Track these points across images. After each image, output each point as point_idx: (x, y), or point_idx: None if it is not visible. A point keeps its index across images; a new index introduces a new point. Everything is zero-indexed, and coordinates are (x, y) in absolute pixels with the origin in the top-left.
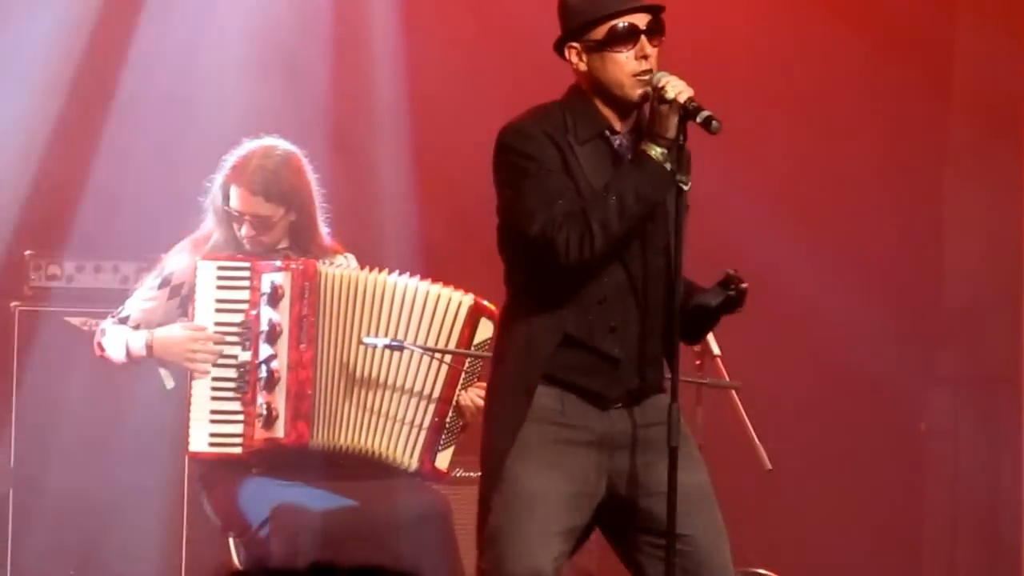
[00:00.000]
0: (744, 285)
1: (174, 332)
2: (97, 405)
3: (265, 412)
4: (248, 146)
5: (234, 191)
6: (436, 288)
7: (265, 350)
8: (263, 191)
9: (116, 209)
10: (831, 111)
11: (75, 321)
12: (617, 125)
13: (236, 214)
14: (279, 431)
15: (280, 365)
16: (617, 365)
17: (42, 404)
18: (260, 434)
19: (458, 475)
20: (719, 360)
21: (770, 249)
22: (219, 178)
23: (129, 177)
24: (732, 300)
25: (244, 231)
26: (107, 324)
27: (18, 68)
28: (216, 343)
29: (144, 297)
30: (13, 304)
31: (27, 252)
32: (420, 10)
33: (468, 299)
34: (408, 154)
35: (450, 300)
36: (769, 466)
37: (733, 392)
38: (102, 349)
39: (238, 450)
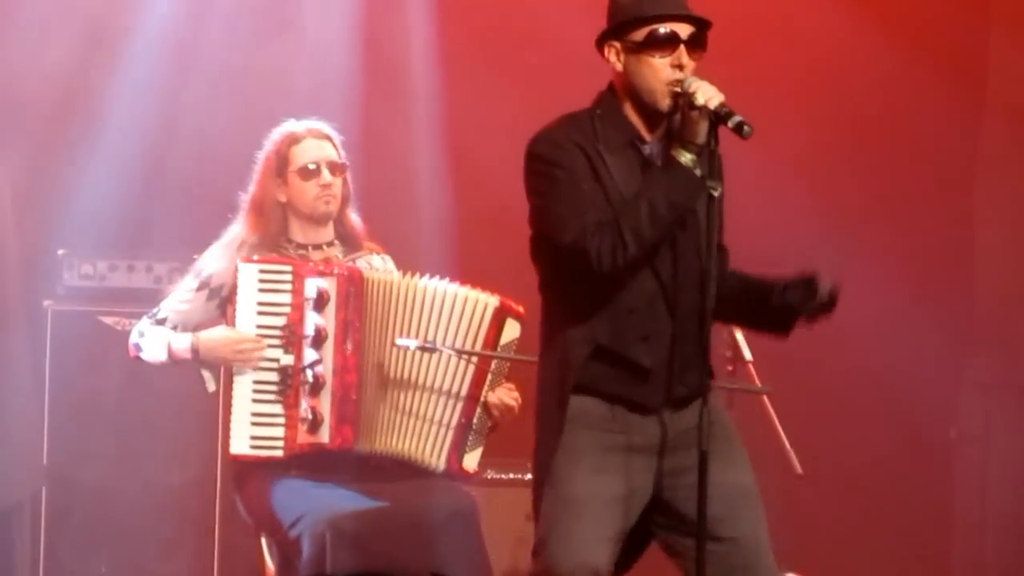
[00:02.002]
0: (828, 299)
1: (219, 333)
2: (129, 404)
3: (310, 416)
4: (287, 123)
5: (298, 148)
6: (464, 290)
7: (310, 354)
8: (328, 138)
9: (150, 208)
10: (864, 116)
11: (108, 320)
12: (647, 133)
13: (311, 167)
14: (324, 436)
15: (325, 370)
16: (650, 374)
17: (75, 403)
18: (304, 438)
19: (489, 476)
20: (751, 365)
21: (802, 253)
22: (268, 152)
23: (164, 176)
24: (823, 306)
25: (323, 178)
26: (143, 325)
27: (53, 60)
28: (259, 344)
29: (181, 299)
30: (46, 303)
31: (60, 251)
32: (455, 11)
33: (494, 300)
34: (441, 153)
35: (477, 302)
36: (800, 470)
37: (764, 396)
38: (138, 350)
39: (279, 453)
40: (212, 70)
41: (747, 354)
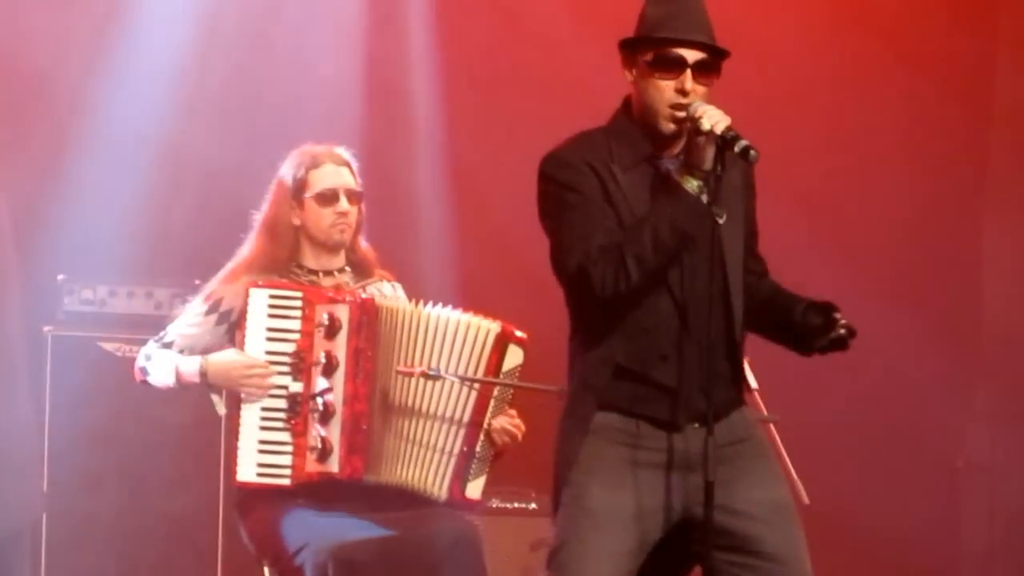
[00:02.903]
0: (844, 332)
1: (229, 357)
2: (130, 431)
3: (320, 445)
4: (307, 146)
5: (317, 173)
6: (465, 317)
7: (320, 383)
8: (347, 164)
9: (150, 234)
10: (871, 141)
11: (108, 346)
12: (662, 148)
13: (329, 194)
14: (333, 465)
15: (336, 398)
16: (673, 392)
17: (75, 429)
18: (313, 467)
19: (494, 505)
20: (756, 393)
21: (807, 281)
22: (286, 177)
23: (164, 202)
24: (837, 341)
25: (340, 206)
26: (150, 349)
27: (55, 87)
28: (268, 371)
29: (189, 323)
30: (46, 328)
31: (60, 276)
32: (456, 35)
33: (495, 326)
34: (442, 177)
35: (479, 328)
36: (807, 500)
37: (771, 425)
38: (144, 374)
39: (286, 481)
40: (216, 97)
41: (753, 382)
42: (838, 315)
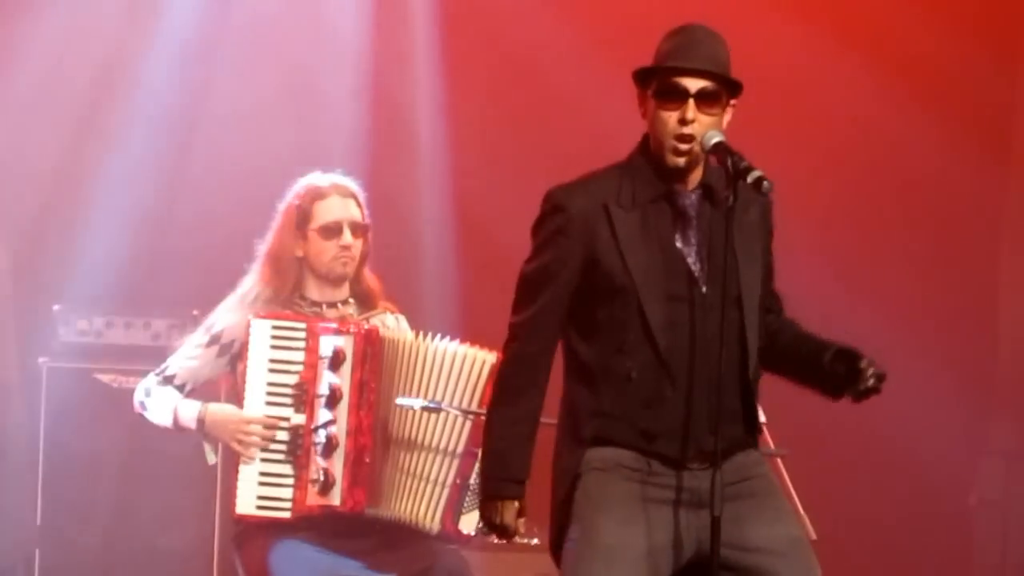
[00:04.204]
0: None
1: (228, 411)
2: (125, 463)
3: (322, 478)
4: (313, 176)
5: (322, 205)
6: (462, 348)
7: (324, 415)
8: (353, 196)
9: (147, 264)
10: (886, 174)
11: (104, 378)
12: (680, 183)
13: (333, 226)
14: (335, 498)
15: (339, 430)
16: (659, 438)
17: (69, 462)
18: (315, 500)
19: (493, 540)
20: (764, 427)
21: (821, 315)
22: (290, 207)
23: (164, 232)
24: (868, 390)
25: (344, 239)
26: (151, 384)
27: (51, 117)
28: (269, 428)
29: (189, 355)
30: (41, 360)
31: (56, 306)
32: (462, 65)
33: (491, 357)
34: (446, 207)
35: (475, 359)
36: (814, 536)
37: (779, 460)
38: (143, 408)
39: (287, 514)
40: (216, 126)
41: (761, 416)
42: (864, 363)
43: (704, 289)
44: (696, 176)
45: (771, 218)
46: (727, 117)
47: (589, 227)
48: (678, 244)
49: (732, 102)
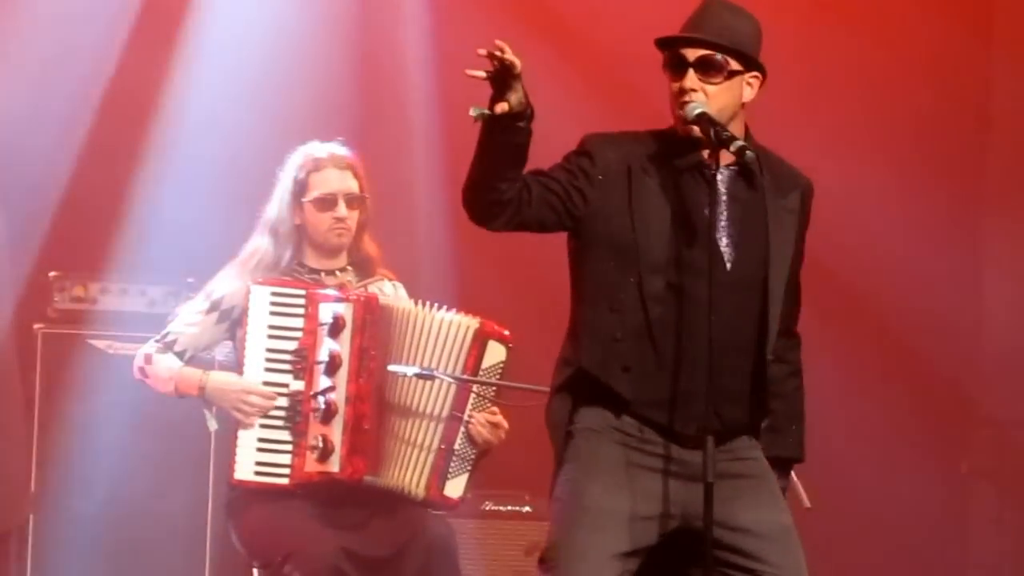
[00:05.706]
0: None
1: (230, 379)
2: (120, 430)
3: (321, 445)
4: (311, 146)
5: (318, 176)
6: (448, 315)
7: (323, 381)
8: (351, 167)
9: (144, 231)
10: (864, 154)
11: (100, 344)
12: (711, 158)
13: (328, 197)
14: (334, 465)
15: (338, 397)
16: (631, 405)
17: (64, 429)
18: (313, 467)
19: (487, 509)
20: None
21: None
22: (288, 178)
23: (158, 199)
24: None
25: (338, 211)
26: (152, 350)
27: (51, 86)
28: (269, 399)
29: (190, 321)
30: (36, 326)
31: (51, 273)
32: (452, 27)
33: (474, 323)
34: (439, 174)
35: (459, 325)
36: (808, 504)
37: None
38: (143, 375)
39: (285, 481)
40: (209, 93)
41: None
42: (784, 484)
43: (729, 267)
44: (731, 150)
45: (810, 206)
46: (748, 91)
47: (608, 182)
48: (706, 216)
49: (750, 77)
